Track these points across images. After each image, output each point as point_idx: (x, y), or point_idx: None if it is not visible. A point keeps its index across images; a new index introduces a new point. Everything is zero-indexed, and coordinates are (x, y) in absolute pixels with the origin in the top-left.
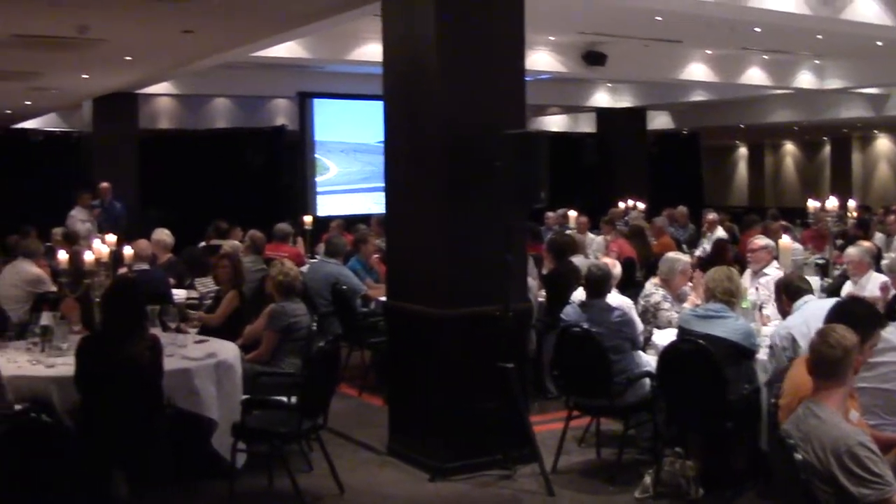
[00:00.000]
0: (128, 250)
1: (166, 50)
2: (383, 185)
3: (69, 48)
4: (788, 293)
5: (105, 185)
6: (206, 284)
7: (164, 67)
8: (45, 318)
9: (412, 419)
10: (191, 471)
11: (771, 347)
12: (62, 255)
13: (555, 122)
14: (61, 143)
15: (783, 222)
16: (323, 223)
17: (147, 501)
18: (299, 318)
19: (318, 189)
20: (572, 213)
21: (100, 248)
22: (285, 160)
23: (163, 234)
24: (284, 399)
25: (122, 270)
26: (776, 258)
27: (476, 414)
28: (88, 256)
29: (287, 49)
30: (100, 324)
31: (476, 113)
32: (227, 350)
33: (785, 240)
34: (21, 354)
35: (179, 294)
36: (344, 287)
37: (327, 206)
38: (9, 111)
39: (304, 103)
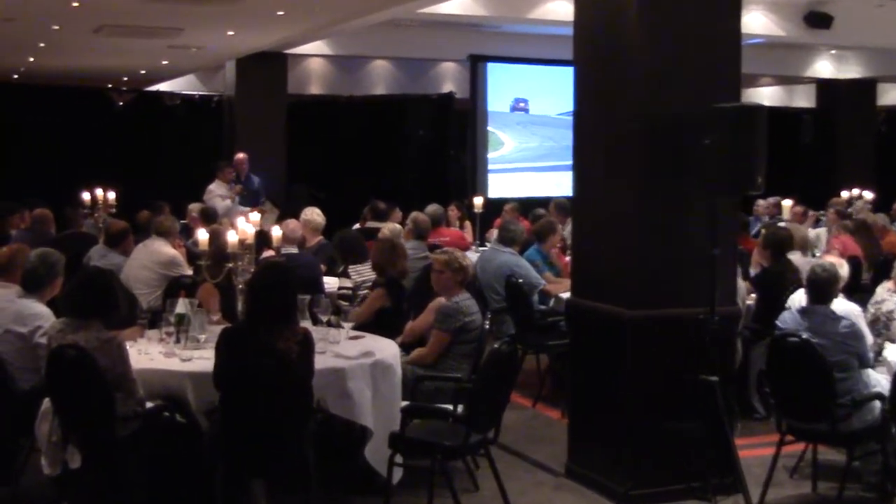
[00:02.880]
0: (276, 231)
1: (324, 3)
2: (565, 163)
3: (215, 1)
4: None
5: (241, 155)
6: (362, 272)
7: (320, 24)
8: (181, 306)
9: (595, 436)
10: (341, 485)
11: None
12: (202, 235)
13: (766, 95)
14: (200, 108)
15: None
16: (495, 206)
17: None
18: (473, 316)
19: (490, 167)
20: (786, 202)
21: (244, 227)
22: (453, 133)
23: (314, 214)
24: (450, 407)
25: (268, 254)
26: None
27: (671, 433)
28: (231, 237)
29: (459, 5)
30: (243, 313)
31: (683, 82)
32: (386, 349)
33: None
34: (153, 345)
35: (331, 282)
36: (520, 280)
37: (500, 186)
38: (143, 72)
39: (475, 68)
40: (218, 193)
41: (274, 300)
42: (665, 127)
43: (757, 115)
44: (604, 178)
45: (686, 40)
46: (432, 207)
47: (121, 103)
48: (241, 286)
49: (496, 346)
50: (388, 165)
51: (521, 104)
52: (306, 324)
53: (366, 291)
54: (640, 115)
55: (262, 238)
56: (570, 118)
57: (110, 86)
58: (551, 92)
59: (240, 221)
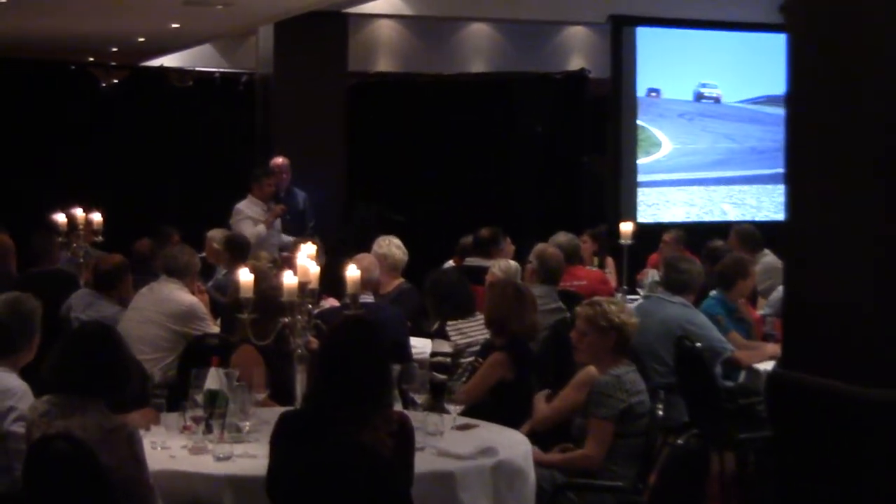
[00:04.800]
0: (352, 271)
1: None
2: (750, 172)
3: None
4: None
5: (280, 160)
6: (465, 331)
7: None
8: (213, 379)
9: None
10: None
11: None
12: (244, 276)
13: None
14: (222, 92)
15: None
16: (648, 235)
17: None
18: (641, 396)
19: (641, 178)
20: None
21: (307, 266)
22: (585, 128)
23: (391, 247)
24: None
25: (327, 304)
26: None
27: None
28: (288, 279)
29: None
30: (309, 392)
31: None
32: (512, 443)
33: None
34: (174, 437)
35: (419, 346)
36: (697, 344)
37: (655, 206)
38: (142, 39)
39: (619, 35)
40: (248, 215)
41: (359, 372)
42: None
43: None
44: (837, 195)
45: None
46: (564, 237)
47: (104, 84)
48: (299, 350)
49: (679, 441)
50: (492, 175)
51: (713, 91)
52: (396, 407)
53: (470, 359)
54: (890, 103)
55: (332, 280)
56: (763, 107)
57: (93, 59)
58: (732, 70)
59: (301, 259)
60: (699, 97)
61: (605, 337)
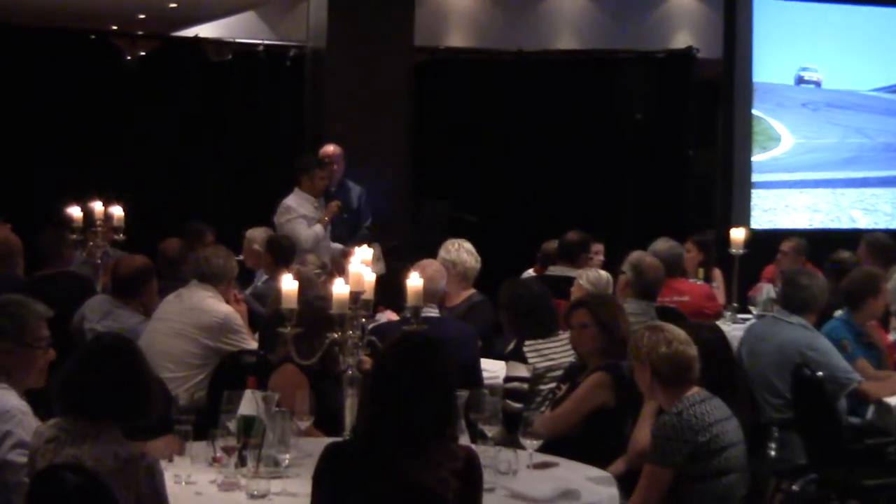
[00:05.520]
0: (414, 279)
1: None
2: (887, 173)
3: None
4: None
5: (331, 149)
6: (546, 352)
7: None
8: (248, 403)
9: None
10: None
11: None
12: (286, 284)
13: None
14: (267, 67)
15: None
16: (764, 243)
17: None
18: (717, 428)
19: (756, 177)
20: None
21: (360, 273)
22: (693, 117)
23: (461, 252)
24: None
25: (384, 317)
26: None
27: None
28: (339, 289)
29: None
30: (360, 421)
31: None
32: (596, 485)
33: None
34: (200, 470)
35: (491, 368)
36: (818, 373)
37: (773, 210)
38: (173, 5)
39: (733, 8)
40: (301, 213)
41: (419, 399)
42: None
43: None
44: None
45: None
46: (664, 245)
47: (129, 57)
48: (349, 372)
49: (796, 487)
50: (582, 171)
51: (813, 75)
52: (463, 439)
53: (551, 385)
54: None
55: (391, 290)
56: None
57: (117, 28)
58: (867, 52)
59: (354, 265)
60: (800, 81)
61: (643, 369)
